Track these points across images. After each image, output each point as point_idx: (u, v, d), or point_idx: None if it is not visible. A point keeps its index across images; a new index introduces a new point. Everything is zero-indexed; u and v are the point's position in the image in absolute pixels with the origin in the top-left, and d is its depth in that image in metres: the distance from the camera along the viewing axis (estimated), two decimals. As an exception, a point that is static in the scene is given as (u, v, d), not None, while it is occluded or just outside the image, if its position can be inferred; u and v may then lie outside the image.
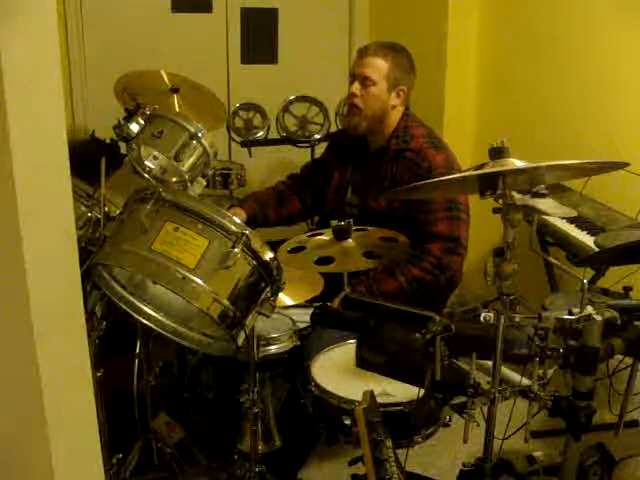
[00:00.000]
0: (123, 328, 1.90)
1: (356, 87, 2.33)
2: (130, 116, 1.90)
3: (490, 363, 1.48)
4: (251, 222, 2.48)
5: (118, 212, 1.60)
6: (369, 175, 2.41)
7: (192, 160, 1.91)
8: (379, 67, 2.30)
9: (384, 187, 2.32)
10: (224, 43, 3.64)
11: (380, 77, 2.30)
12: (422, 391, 1.55)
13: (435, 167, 2.25)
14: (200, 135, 1.91)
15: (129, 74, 2.40)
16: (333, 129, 3.27)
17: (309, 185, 2.64)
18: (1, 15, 1.02)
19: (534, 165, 1.40)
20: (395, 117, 2.37)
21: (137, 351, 2.07)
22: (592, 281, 2.33)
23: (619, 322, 1.51)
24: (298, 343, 1.97)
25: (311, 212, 2.74)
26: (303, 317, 2.11)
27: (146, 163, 1.84)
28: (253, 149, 3.19)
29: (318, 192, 2.60)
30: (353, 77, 2.35)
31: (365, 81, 2.31)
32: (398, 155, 2.32)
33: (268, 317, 1.54)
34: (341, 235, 1.81)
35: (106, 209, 1.68)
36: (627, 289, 1.72)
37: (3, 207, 1.10)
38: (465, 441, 1.48)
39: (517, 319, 1.44)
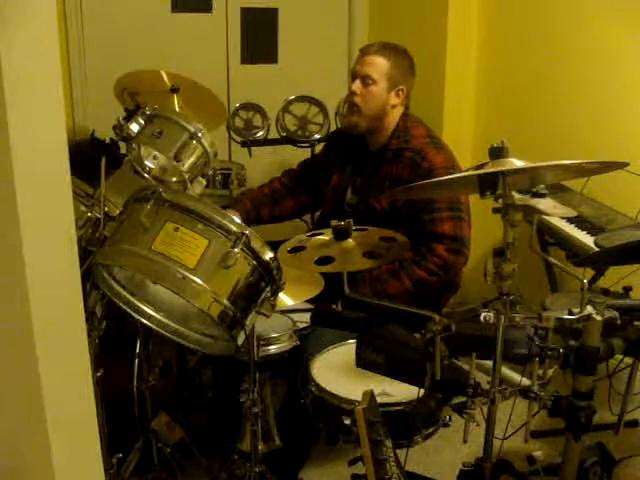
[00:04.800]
0: (123, 328, 1.90)
1: (357, 85, 2.33)
2: (130, 116, 1.90)
3: (490, 363, 1.48)
4: (245, 221, 2.48)
5: (118, 212, 1.60)
6: (369, 175, 2.40)
7: (192, 160, 1.91)
8: (380, 66, 2.30)
9: (384, 187, 2.32)
10: (224, 43, 3.64)
11: (381, 76, 2.30)
12: (422, 391, 1.55)
13: (435, 167, 2.25)
14: (200, 135, 1.90)
15: (129, 74, 2.40)
16: (333, 129, 3.27)
17: (305, 183, 2.64)
18: (1, 16, 1.02)
19: (534, 165, 1.40)
20: (395, 117, 2.37)
21: (137, 351, 2.07)
22: (592, 281, 2.33)
23: (619, 322, 1.51)
24: (298, 343, 1.97)
25: (306, 210, 2.74)
26: (303, 317, 2.12)
27: (146, 163, 1.83)
28: (253, 149, 3.18)
29: (314, 191, 2.60)
30: (354, 75, 2.35)
31: (366, 79, 2.31)
32: (398, 155, 2.32)
33: (268, 317, 1.54)
34: (341, 235, 1.80)
35: (106, 209, 1.67)
36: (627, 289, 1.72)
37: (3, 207, 1.10)
38: (465, 441, 1.48)
39: (517, 319, 1.44)
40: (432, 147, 2.30)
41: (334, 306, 1.89)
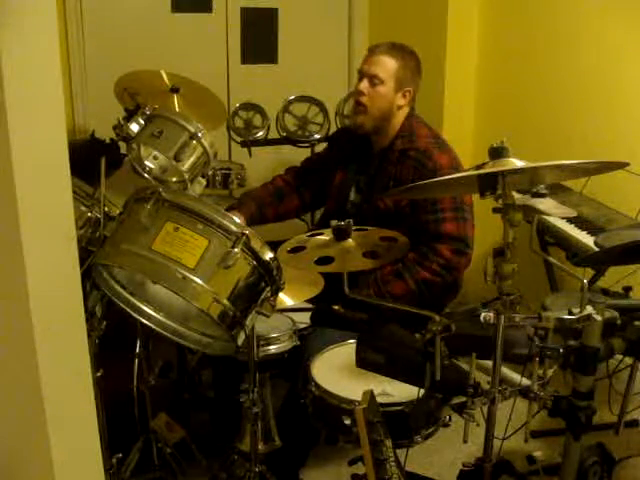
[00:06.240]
0: (123, 328, 1.90)
1: (364, 85, 2.31)
2: (130, 116, 1.90)
3: (490, 363, 1.48)
4: (249, 223, 2.49)
5: (118, 212, 1.60)
6: (373, 175, 2.40)
7: (192, 160, 1.91)
8: (388, 66, 2.29)
9: (389, 187, 2.31)
10: (224, 43, 3.64)
11: (388, 76, 2.29)
12: (422, 391, 1.55)
13: (440, 167, 2.24)
14: (200, 135, 1.90)
15: (129, 74, 2.41)
16: (333, 129, 3.27)
17: (309, 181, 2.63)
18: (1, 16, 1.02)
19: (534, 165, 1.40)
20: (400, 117, 2.36)
21: (137, 351, 2.07)
22: (592, 281, 2.33)
23: (619, 322, 1.51)
24: (298, 343, 1.97)
25: (309, 208, 2.73)
26: (303, 317, 2.12)
27: (146, 163, 1.83)
28: (253, 149, 3.19)
29: (318, 189, 2.60)
30: (361, 75, 2.34)
31: (373, 79, 2.30)
32: (403, 155, 2.31)
33: (268, 317, 1.54)
34: (341, 235, 1.80)
35: (106, 209, 1.67)
36: (627, 289, 1.72)
37: (3, 207, 1.11)
38: (465, 441, 1.48)
39: (517, 319, 1.44)
40: (437, 147, 2.30)
41: (335, 307, 1.89)
